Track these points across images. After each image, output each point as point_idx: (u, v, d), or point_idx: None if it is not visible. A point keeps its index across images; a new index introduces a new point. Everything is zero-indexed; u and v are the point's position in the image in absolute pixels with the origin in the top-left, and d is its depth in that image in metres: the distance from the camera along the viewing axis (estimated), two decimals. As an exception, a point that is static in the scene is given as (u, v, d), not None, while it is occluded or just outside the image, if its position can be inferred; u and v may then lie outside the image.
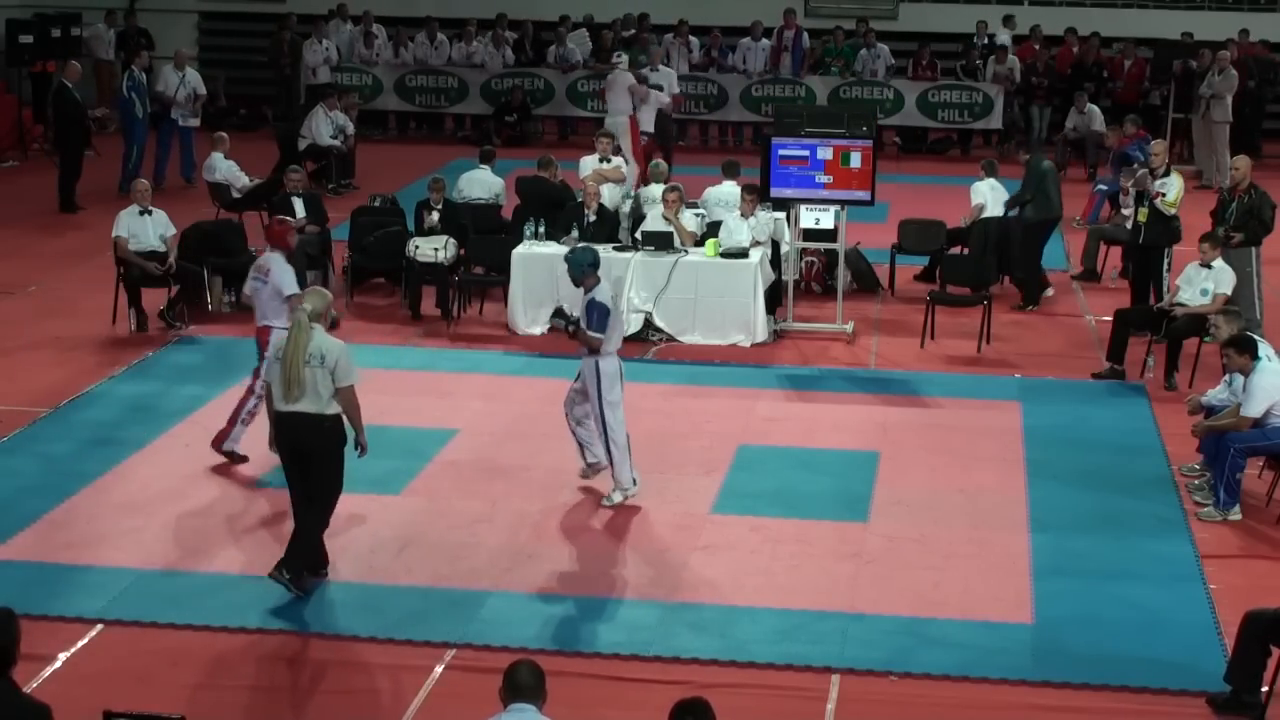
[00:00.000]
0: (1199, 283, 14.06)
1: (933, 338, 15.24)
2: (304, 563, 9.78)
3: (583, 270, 11.20)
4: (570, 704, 8.20)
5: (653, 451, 12.14)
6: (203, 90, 22.65)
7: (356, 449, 9.92)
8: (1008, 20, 26.54)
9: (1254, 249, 15.06)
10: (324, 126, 21.77)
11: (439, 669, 8.95)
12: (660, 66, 23.12)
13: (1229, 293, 13.95)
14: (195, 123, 22.28)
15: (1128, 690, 8.78)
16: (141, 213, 15.38)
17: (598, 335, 11.03)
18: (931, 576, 10.19)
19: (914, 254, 17.31)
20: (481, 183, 17.89)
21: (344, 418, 9.78)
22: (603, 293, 11.15)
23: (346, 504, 11.03)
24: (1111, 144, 20.76)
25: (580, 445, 11.56)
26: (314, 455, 9.76)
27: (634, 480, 11.28)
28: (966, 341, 15.20)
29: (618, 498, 11.25)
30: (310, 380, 9.58)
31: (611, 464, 11.26)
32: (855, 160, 15.18)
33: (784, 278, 15.81)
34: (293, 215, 16.22)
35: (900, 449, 12.49)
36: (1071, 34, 26.27)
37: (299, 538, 9.80)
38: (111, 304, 15.36)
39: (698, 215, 16.28)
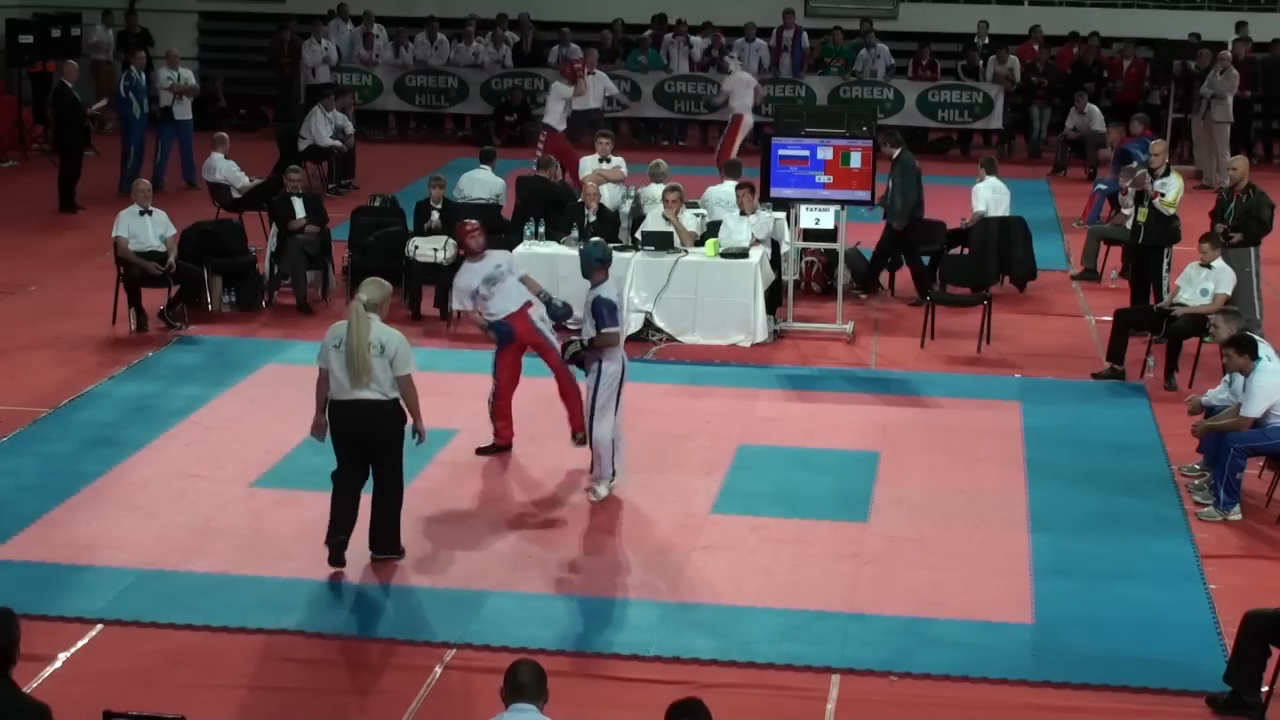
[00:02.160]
0: (1199, 283, 14.06)
1: (933, 338, 15.24)
2: (394, 538, 10.17)
3: (590, 265, 11.30)
4: (570, 704, 8.20)
5: (653, 451, 12.15)
6: (194, 83, 22.63)
7: (414, 436, 10.12)
8: (1240, 27, 25.90)
9: (1253, 249, 15.07)
10: (323, 127, 21.77)
11: (439, 669, 8.95)
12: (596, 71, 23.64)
13: (1229, 293, 13.95)
14: (188, 114, 22.19)
15: (1128, 690, 8.79)
16: (141, 213, 15.38)
17: (613, 330, 11.12)
18: (931, 576, 10.20)
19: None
20: (482, 183, 17.89)
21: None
22: (608, 289, 11.25)
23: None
24: (1112, 142, 20.76)
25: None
26: (379, 440, 9.98)
27: (614, 471, 11.37)
28: (966, 341, 15.20)
29: (603, 491, 11.31)
30: (376, 367, 9.78)
31: (592, 457, 11.37)
32: (855, 160, 15.18)
33: (784, 278, 15.81)
34: (293, 215, 16.27)
35: (900, 449, 12.49)
36: (1082, 39, 26.27)
37: (382, 519, 10.12)
38: (111, 304, 15.36)
39: (698, 215, 16.28)
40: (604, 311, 11.08)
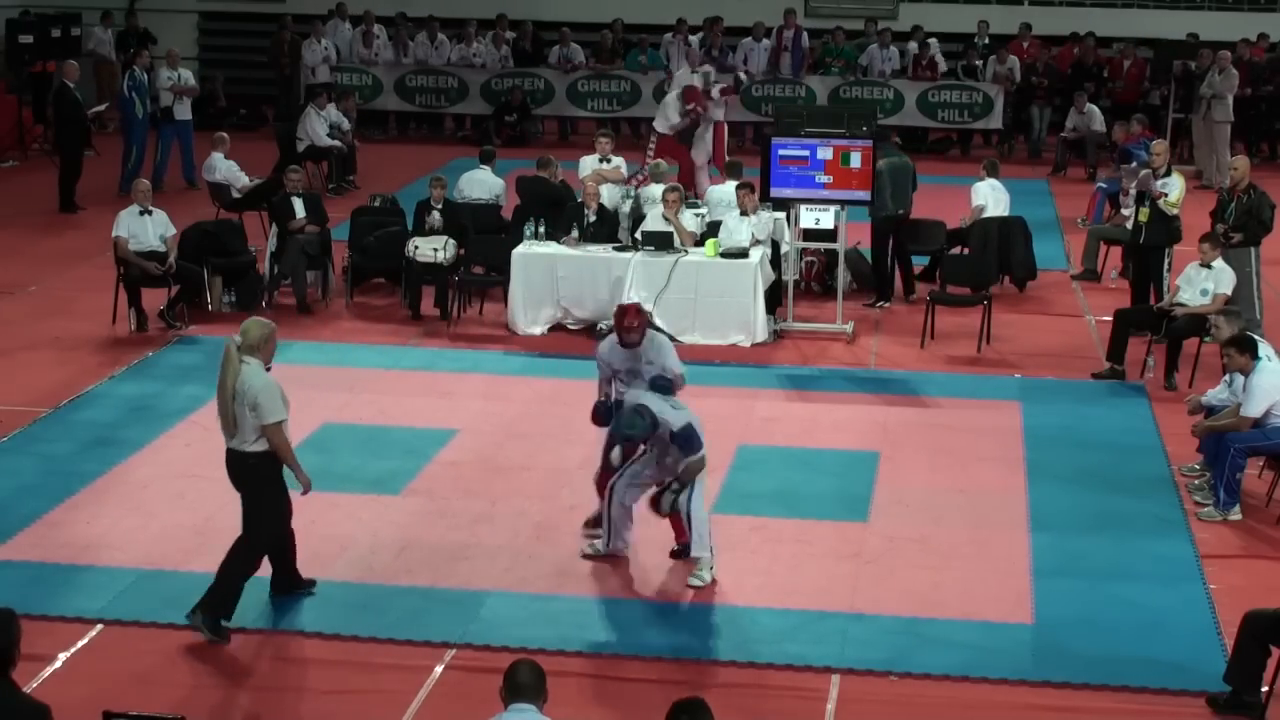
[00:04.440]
0: (1199, 283, 14.06)
1: (933, 338, 15.24)
2: (219, 607, 9.20)
3: (641, 437, 9.97)
4: (570, 704, 8.21)
5: (653, 451, 12.13)
6: (194, 83, 22.66)
7: (300, 489, 9.39)
8: (1261, 38, 25.70)
9: (1253, 249, 15.07)
10: (318, 126, 21.75)
11: (439, 669, 8.95)
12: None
13: (1229, 293, 13.95)
14: (188, 114, 22.20)
15: (1128, 690, 8.79)
16: (141, 213, 15.38)
17: (701, 454, 9.89)
18: (931, 576, 10.20)
19: (914, 254, 17.30)
20: (481, 183, 17.87)
21: (275, 456, 9.21)
22: (679, 418, 9.87)
23: (346, 504, 11.09)
24: (1119, 139, 20.70)
25: (613, 525, 10.29)
26: (240, 493, 9.38)
27: (712, 549, 10.14)
28: (966, 341, 15.20)
29: (707, 575, 10.05)
30: (239, 417, 9.11)
31: (691, 539, 10.09)
32: (855, 160, 15.19)
33: (784, 278, 15.82)
34: (293, 215, 16.27)
35: (900, 449, 12.49)
36: (1081, 39, 26.28)
37: (218, 578, 9.26)
38: (111, 304, 15.36)
39: (698, 215, 16.29)
40: (692, 439, 9.83)
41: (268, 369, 9.25)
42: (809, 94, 25.67)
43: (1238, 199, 15.16)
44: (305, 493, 9.44)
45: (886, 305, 16.60)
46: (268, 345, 9.26)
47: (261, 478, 9.27)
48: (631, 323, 10.34)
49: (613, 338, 10.53)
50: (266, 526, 9.39)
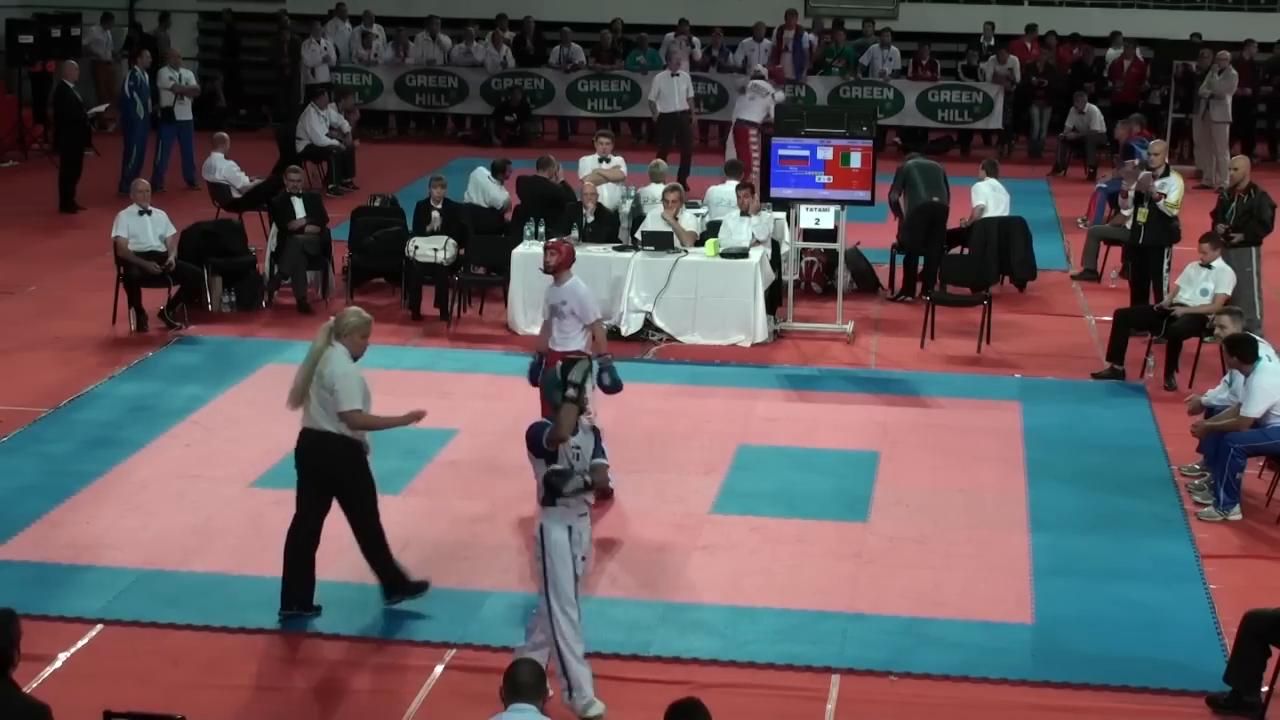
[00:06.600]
0: (1199, 283, 14.06)
1: (933, 338, 15.24)
2: (394, 576, 9.58)
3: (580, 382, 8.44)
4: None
5: (653, 451, 12.14)
6: (195, 83, 22.65)
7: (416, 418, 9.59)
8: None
9: (1254, 249, 15.08)
10: (318, 125, 21.74)
11: (439, 669, 8.95)
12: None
13: (1229, 293, 13.95)
14: (189, 115, 22.19)
15: (1128, 690, 8.79)
16: (141, 213, 15.39)
17: (604, 461, 8.60)
18: (931, 576, 10.20)
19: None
20: (484, 190, 17.66)
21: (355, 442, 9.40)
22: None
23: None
24: (1120, 137, 20.67)
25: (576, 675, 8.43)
26: (326, 475, 9.46)
27: (595, 699, 8.39)
28: (966, 341, 15.20)
29: (593, 709, 8.37)
30: (315, 397, 9.30)
31: (565, 670, 8.31)
32: (855, 160, 15.19)
33: (784, 278, 15.81)
34: (293, 215, 16.27)
35: (900, 449, 12.49)
36: (1082, 39, 26.27)
37: (372, 561, 9.56)
38: (111, 304, 15.36)
39: (698, 215, 16.29)
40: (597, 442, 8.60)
41: (355, 359, 9.39)
42: (809, 94, 25.66)
43: (1238, 199, 15.16)
44: (421, 416, 9.59)
45: (910, 300, 16.60)
46: (355, 335, 9.42)
47: (345, 456, 9.38)
48: (548, 246, 11.27)
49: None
50: (370, 496, 9.50)
